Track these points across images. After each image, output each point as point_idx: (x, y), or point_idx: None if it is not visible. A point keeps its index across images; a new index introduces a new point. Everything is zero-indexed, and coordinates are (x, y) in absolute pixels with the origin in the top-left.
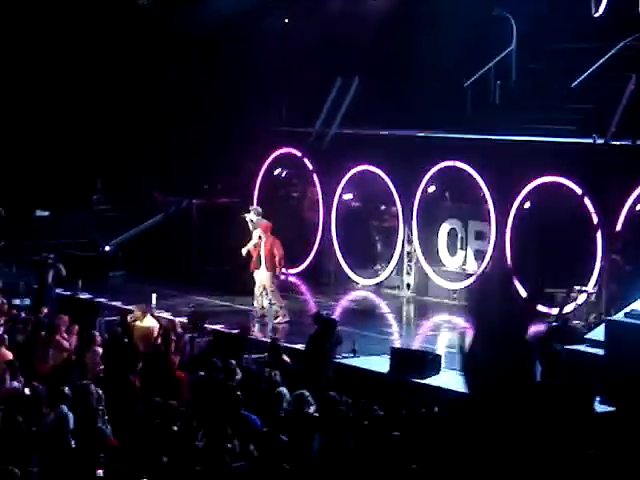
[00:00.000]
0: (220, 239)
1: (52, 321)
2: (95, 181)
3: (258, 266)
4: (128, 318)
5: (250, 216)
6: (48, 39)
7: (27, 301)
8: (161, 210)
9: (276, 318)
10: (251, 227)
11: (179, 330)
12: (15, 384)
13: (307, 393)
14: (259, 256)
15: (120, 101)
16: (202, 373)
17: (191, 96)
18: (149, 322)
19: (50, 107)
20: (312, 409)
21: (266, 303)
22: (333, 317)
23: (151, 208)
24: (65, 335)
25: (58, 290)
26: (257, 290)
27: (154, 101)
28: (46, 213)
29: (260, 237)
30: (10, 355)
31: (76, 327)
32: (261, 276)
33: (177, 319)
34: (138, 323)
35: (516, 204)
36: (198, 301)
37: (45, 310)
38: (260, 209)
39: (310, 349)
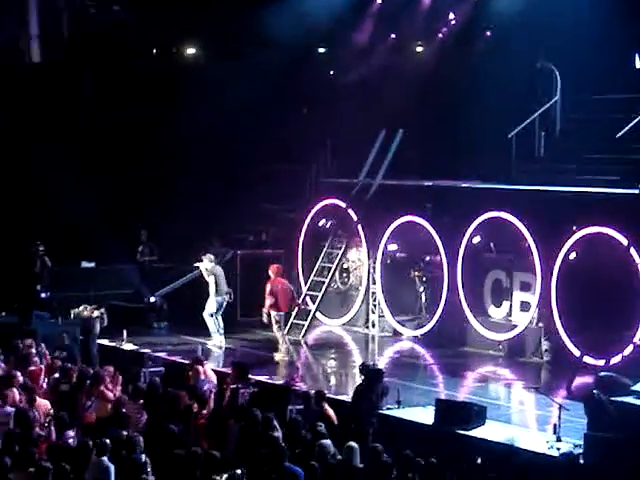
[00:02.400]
0: (264, 290)
1: (97, 372)
2: (140, 232)
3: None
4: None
5: (204, 264)
6: (91, 91)
7: (63, 353)
8: None
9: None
10: (205, 275)
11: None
12: (69, 434)
13: (356, 446)
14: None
15: (165, 154)
16: (244, 423)
17: (235, 148)
18: (206, 373)
19: (94, 159)
20: (356, 461)
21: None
22: (380, 368)
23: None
24: (110, 386)
25: (102, 340)
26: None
27: (197, 153)
28: (92, 264)
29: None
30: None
31: (120, 378)
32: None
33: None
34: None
35: (561, 255)
36: (242, 352)
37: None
38: (213, 257)
39: (356, 400)
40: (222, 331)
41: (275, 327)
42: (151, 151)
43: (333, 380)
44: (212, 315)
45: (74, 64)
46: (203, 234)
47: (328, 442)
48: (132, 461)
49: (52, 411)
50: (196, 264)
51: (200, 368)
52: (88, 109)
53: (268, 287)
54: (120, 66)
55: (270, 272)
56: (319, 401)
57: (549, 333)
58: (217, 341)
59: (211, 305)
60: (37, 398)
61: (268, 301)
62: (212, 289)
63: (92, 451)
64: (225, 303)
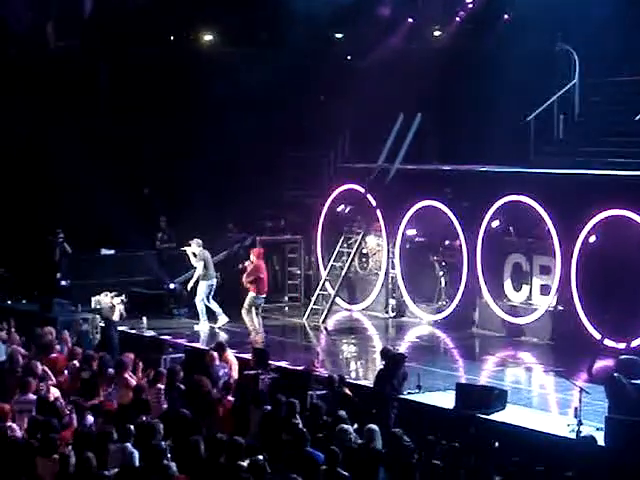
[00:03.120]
0: (283, 276)
1: (120, 359)
2: (159, 219)
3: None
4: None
5: (192, 249)
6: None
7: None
8: (225, 247)
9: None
10: (194, 261)
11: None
12: (89, 420)
13: (377, 429)
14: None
15: (183, 141)
16: (268, 408)
17: (252, 135)
18: (227, 359)
19: (114, 146)
20: (379, 445)
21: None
22: (401, 352)
23: (220, 244)
24: (131, 373)
25: (123, 327)
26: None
27: (214, 140)
28: (111, 251)
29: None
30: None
31: (141, 365)
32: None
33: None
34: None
35: (581, 238)
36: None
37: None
38: (201, 241)
39: (378, 385)
40: (221, 311)
41: (246, 308)
42: (168, 138)
43: (353, 365)
44: (202, 300)
45: (91, 50)
46: (221, 221)
47: (349, 427)
48: (153, 447)
49: (72, 398)
50: (183, 248)
51: (215, 354)
52: (105, 96)
53: (250, 268)
54: (136, 52)
55: (253, 255)
56: (340, 386)
57: (569, 316)
58: (204, 327)
59: (202, 290)
60: (50, 386)
61: (247, 281)
62: (200, 274)
63: (113, 437)
64: (215, 287)
